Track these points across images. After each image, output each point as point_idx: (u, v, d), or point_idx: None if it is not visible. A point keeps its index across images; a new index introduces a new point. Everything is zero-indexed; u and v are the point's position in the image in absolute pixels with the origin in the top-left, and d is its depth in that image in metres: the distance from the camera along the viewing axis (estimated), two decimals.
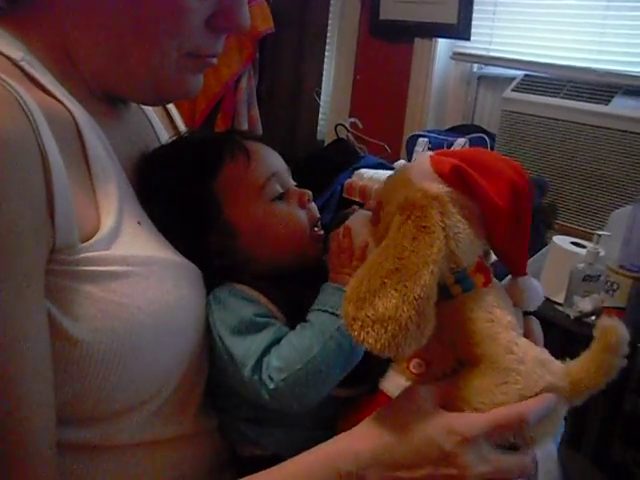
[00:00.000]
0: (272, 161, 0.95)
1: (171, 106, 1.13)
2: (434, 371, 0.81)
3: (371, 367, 0.86)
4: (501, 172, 0.79)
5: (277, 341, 0.83)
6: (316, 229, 0.96)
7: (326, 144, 3.21)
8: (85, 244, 0.72)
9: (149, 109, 1.02)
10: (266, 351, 0.82)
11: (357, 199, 2.56)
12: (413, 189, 0.77)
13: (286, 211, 0.93)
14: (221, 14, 0.83)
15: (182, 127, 1.12)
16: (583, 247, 1.88)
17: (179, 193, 0.89)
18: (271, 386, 0.80)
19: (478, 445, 0.72)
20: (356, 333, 0.70)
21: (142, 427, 0.80)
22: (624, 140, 2.21)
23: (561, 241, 1.96)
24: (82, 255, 0.71)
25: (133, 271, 0.75)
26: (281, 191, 0.93)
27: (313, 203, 0.98)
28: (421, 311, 0.70)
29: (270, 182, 0.92)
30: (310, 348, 0.81)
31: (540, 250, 2.05)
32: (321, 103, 3.32)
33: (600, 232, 1.84)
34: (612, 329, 0.78)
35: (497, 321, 0.79)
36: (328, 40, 3.27)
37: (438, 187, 0.77)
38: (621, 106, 2.25)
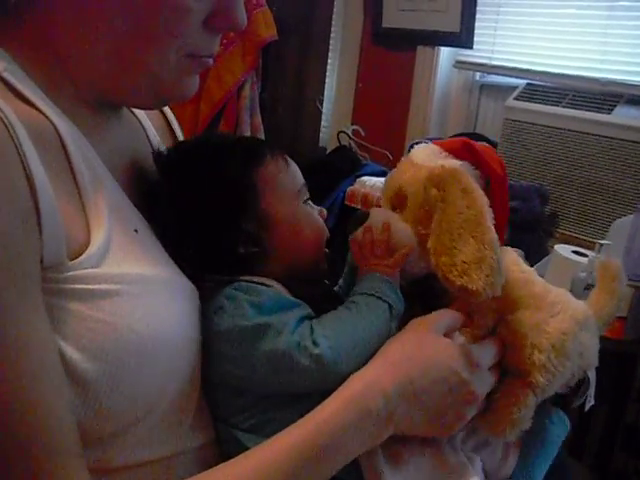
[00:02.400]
0: (300, 173, 0.99)
1: (167, 110, 1.11)
2: (479, 326, 0.88)
3: None
4: (490, 152, 0.95)
5: (309, 317, 0.84)
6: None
7: (328, 151, 3.21)
8: (74, 261, 0.70)
9: (142, 114, 1.01)
10: (301, 321, 0.83)
11: (359, 206, 2.56)
12: (429, 167, 0.89)
13: (315, 216, 0.97)
14: (218, 14, 0.82)
15: (179, 132, 1.11)
16: (585, 256, 1.88)
17: (219, 179, 0.91)
18: (316, 351, 0.79)
19: (485, 371, 0.85)
20: (456, 279, 0.78)
21: (136, 448, 0.78)
22: (626, 149, 2.21)
23: (563, 250, 1.96)
24: (71, 273, 0.70)
25: (123, 289, 0.73)
26: (308, 198, 0.98)
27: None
28: (497, 251, 0.80)
29: (304, 189, 0.97)
30: (356, 323, 0.83)
31: (542, 259, 2.05)
32: (323, 110, 3.33)
33: (602, 241, 1.84)
34: (609, 263, 0.98)
35: (527, 270, 0.93)
36: (331, 47, 3.28)
37: (452, 162, 0.90)
38: (623, 115, 2.25)
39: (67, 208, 0.73)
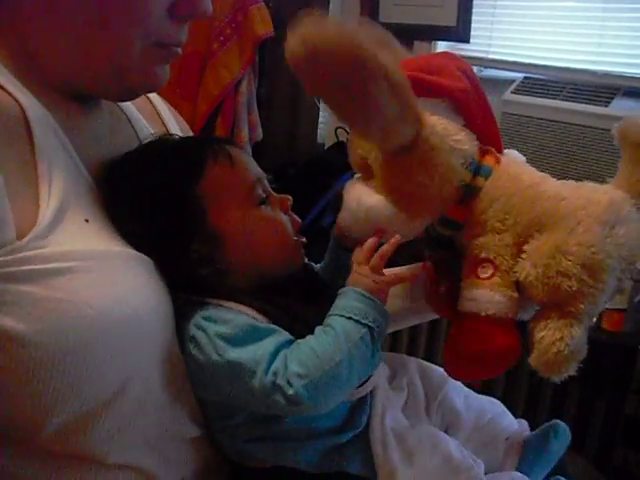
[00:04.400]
0: (254, 167, 0.93)
1: (155, 97, 1.09)
2: (502, 269, 0.80)
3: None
4: (444, 65, 0.85)
5: (285, 344, 0.81)
6: (298, 236, 0.94)
7: (326, 147, 3.20)
8: (21, 242, 0.69)
9: (129, 107, 0.99)
10: (276, 354, 0.79)
11: None
12: None
13: (272, 215, 0.91)
14: (182, 1, 0.81)
15: (168, 118, 1.08)
16: None
17: (157, 199, 0.85)
18: (290, 392, 0.77)
19: None
20: None
21: (112, 436, 0.77)
22: None
23: None
24: (19, 255, 0.69)
25: (75, 266, 0.72)
26: (264, 196, 0.91)
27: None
28: None
29: (256, 187, 0.90)
30: (332, 355, 0.79)
31: None
32: (321, 106, 3.32)
33: None
34: (627, 128, 0.83)
35: (531, 182, 0.82)
36: None
37: None
38: (621, 107, 2.25)
39: (18, 188, 0.72)
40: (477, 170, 0.82)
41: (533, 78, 2.55)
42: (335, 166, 2.85)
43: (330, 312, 0.84)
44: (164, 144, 0.94)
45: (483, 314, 0.81)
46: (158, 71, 0.86)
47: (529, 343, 0.81)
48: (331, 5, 3.23)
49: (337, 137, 3.06)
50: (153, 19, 0.80)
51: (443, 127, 0.81)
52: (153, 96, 1.09)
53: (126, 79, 0.84)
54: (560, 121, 2.37)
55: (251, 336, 0.81)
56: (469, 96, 0.83)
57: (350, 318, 0.82)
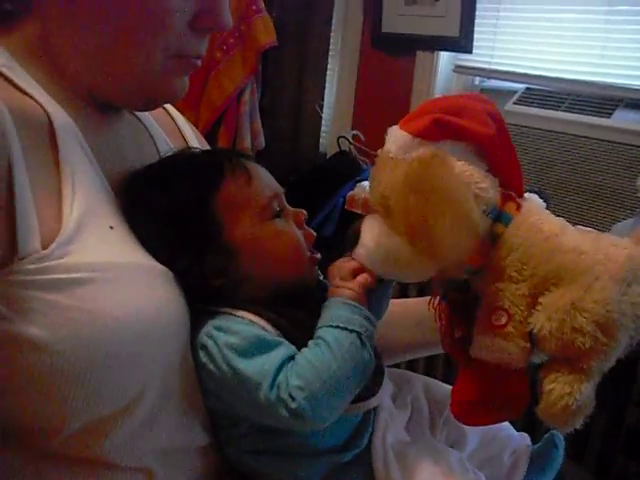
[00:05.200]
0: (270, 181, 0.94)
1: (173, 109, 1.11)
2: (516, 319, 0.80)
3: (372, 384, 0.88)
4: (472, 107, 0.84)
5: (289, 358, 0.82)
6: (313, 252, 0.95)
7: (328, 156, 3.21)
8: (45, 251, 0.71)
9: (146, 117, 1.01)
10: (280, 369, 0.81)
11: (359, 211, 2.56)
12: (405, 165, 0.79)
13: (287, 229, 0.92)
14: (204, 14, 0.84)
15: (187, 130, 1.10)
16: None
17: (176, 212, 0.87)
18: (293, 405, 0.79)
19: None
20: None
21: (126, 443, 0.78)
22: (626, 153, 2.21)
23: None
24: (45, 264, 0.70)
25: (98, 277, 0.73)
26: (278, 210, 0.92)
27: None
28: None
29: (270, 201, 0.91)
30: (329, 364, 0.80)
31: None
32: (323, 115, 3.33)
33: None
34: None
35: (551, 232, 0.81)
36: (331, 53, 3.28)
37: (427, 149, 0.80)
38: (623, 119, 2.25)
39: (44, 200, 0.74)
40: (498, 217, 0.82)
41: (535, 89, 2.55)
42: (337, 175, 2.86)
43: (318, 325, 0.86)
44: (184, 158, 0.96)
45: (494, 361, 0.81)
46: (178, 82, 0.88)
47: (538, 392, 0.81)
48: (334, 15, 3.25)
49: (339, 146, 3.07)
50: (175, 31, 0.82)
51: (469, 174, 0.81)
52: (172, 110, 1.11)
53: (147, 89, 0.86)
54: (562, 132, 2.38)
55: (259, 348, 0.82)
56: (494, 141, 0.84)
57: (338, 327, 0.83)
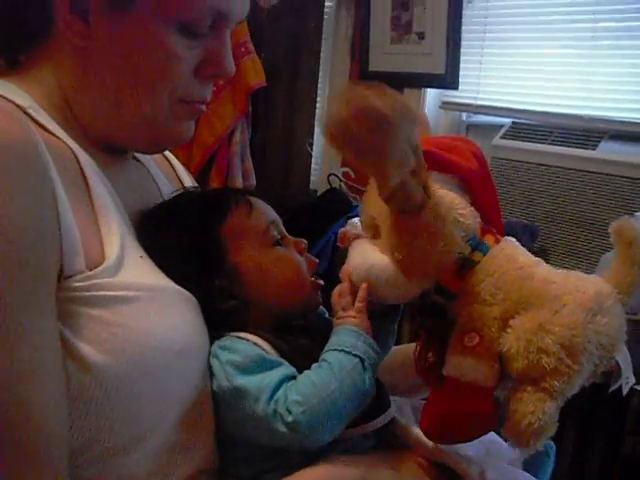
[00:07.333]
0: (270, 211, 1.00)
1: (173, 157, 1.16)
2: (487, 340, 0.84)
3: (371, 408, 0.89)
4: (458, 146, 0.91)
5: (288, 378, 0.85)
6: (315, 278, 1.00)
7: (319, 194, 3.23)
8: (93, 272, 0.75)
9: (150, 163, 1.05)
10: (279, 385, 0.84)
11: None
12: None
13: (287, 255, 0.98)
14: (208, 62, 0.89)
15: (185, 177, 1.15)
16: None
17: (187, 242, 0.93)
18: (289, 419, 0.81)
19: None
20: None
21: (147, 461, 0.80)
22: (611, 183, 2.25)
23: None
24: (92, 281, 0.74)
25: (140, 296, 0.78)
26: (278, 237, 0.98)
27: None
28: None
29: (270, 228, 0.97)
30: (328, 384, 0.84)
31: None
32: (313, 154, 3.36)
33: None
34: (622, 226, 0.91)
35: (525, 263, 0.86)
36: (319, 92, 3.33)
37: None
38: (608, 151, 2.29)
39: (84, 225, 0.78)
40: (476, 245, 0.86)
41: (521, 123, 2.59)
42: (328, 212, 2.87)
43: (325, 349, 0.89)
44: (193, 196, 1.04)
45: (464, 380, 0.84)
46: (185, 126, 0.93)
47: (505, 414, 0.84)
48: (322, 55, 3.29)
49: (330, 183, 3.09)
50: (181, 79, 0.87)
51: (450, 200, 0.85)
52: (172, 158, 1.16)
53: (156, 134, 0.91)
54: (549, 165, 2.41)
55: (260, 366, 0.86)
56: (477, 176, 0.89)
57: (342, 350, 0.87)
